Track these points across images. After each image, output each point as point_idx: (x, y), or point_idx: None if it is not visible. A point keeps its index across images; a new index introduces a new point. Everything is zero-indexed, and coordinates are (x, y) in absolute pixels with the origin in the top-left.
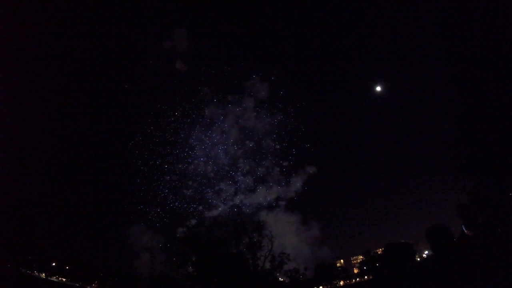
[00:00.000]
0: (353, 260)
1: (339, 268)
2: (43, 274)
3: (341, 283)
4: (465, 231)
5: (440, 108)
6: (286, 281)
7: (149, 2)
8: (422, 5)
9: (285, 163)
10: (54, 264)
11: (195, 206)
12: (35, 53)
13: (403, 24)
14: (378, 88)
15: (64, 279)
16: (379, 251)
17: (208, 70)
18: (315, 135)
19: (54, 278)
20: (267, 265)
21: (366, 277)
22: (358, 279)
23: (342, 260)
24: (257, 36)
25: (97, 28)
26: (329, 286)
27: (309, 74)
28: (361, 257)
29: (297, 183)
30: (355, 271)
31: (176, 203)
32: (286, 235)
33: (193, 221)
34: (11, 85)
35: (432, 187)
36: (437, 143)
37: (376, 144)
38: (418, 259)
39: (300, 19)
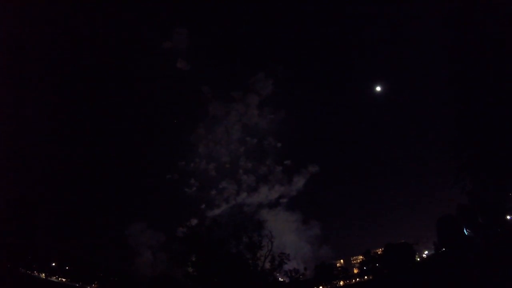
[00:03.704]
0: (353, 260)
1: (339, 268)
2: (43, 274)
3: (341, 283)
4: (465, 231)
5: (440, 108)
6: (286, 281)
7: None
8: (423, 5)
9: (287, 162)
10: (54, 264)
11: (196, 205)
12: (36, 53)
13: (403, 24)
14: (378, 88)
15: (64, 279)
16: (379, 251)
17: (211, 68)
18: (317, 134)
19: (54, 278)
20: (267, 265)
21: (366, 277)
22: (358, 279)
23: (342, 260)
24: (258, 36)
25: (97, 27)
26: (329, 286)
27: (312, 73)
28: (361, 257)
29: (298, 182)
30: (355, 271)
31: (177, 202)
32: (287, 234)
33: (194, 221)
34: (11, 85)
35: (432, 187)
36: (437, 143)
37: (376, 144)
38: (418, 259)
39: (303, 18)
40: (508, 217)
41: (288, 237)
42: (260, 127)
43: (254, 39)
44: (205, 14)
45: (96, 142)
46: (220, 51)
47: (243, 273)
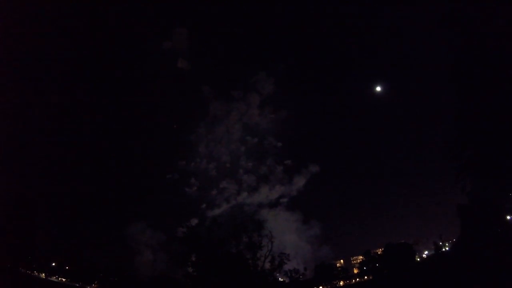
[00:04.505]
0: (353, 260)
1: (339, 268)
2: (43, 274)
3: (341, 283)
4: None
5: (440, 109)
6: (286, 281)
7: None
8: (423, 5)
9: (288, 162)
10: (54, 264)
11: (196, 204)
12: (36, 53)
13: (404, 24)
14: (378, 89)
15: (64, 279)
16: (379, 251)
17: (211, 67)
18: (317, 134)
19: (54, 278)
20: (267, 265)
21: (366, 277)
22: (358, 279)
23: (342, 260)
24: (259, 35)
25: (98, 27)
26: (329, 286)
27: (312, 73)
28: (361, 257)
29: (298, 182)
30: (355, 271)
31: (177, 202)
32: (287, 234)
33: (194, 221)
34: (11, 85)
35: (432, 187)
36: (437, 143)
37: (376, 144)
38: (418, 259)
39: (304, 17)
40: (508, 217)
41: (288, 237)
42: (261, 126)
43: (255, 39)
44: (205, 14)
45: (96, 142)
46: (221, 50)
47: (243, 273)
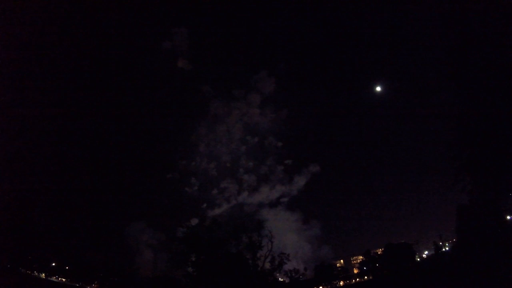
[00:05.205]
0: (353, 260)
1: (339, 268)
2: (43, 274)
3: (341, 283)
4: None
5: (440, 108)
6: (286, 281)
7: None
8: (423, 5)
9: (288, 161)
10: (54, 264)
11: (197, 204)
12: (36, 53)
13: (404, 24)
14: (378, 88)
15: (64, 279)
16: (379, 251)
17: (212, 67)
18: (318, 134)
19: (54, 278)
20: (267, 265)
21: (366, 277)
22: (358, 279)
23: (342, 260)
24: (260, 35)
25: (98, 27)
26: (329, 286)
27: (313, 73)
28: (361, 257)
29: (299, 182)
30: (355, 271)
31: (178, 202)
32: (287, 234)
33: (194, 221)
34: (11, 84)
35: (432, 187)
36: (437, 143)
37: (377, 144)
38: (418, 259)
39: (305, 17)
40: (508, 217)
41: (288, 237)
42: (261, 126)
43: (256, 38)
44: (206, 13)
45: (96, 142)
46: (221, 49)
47: (243, 273)
